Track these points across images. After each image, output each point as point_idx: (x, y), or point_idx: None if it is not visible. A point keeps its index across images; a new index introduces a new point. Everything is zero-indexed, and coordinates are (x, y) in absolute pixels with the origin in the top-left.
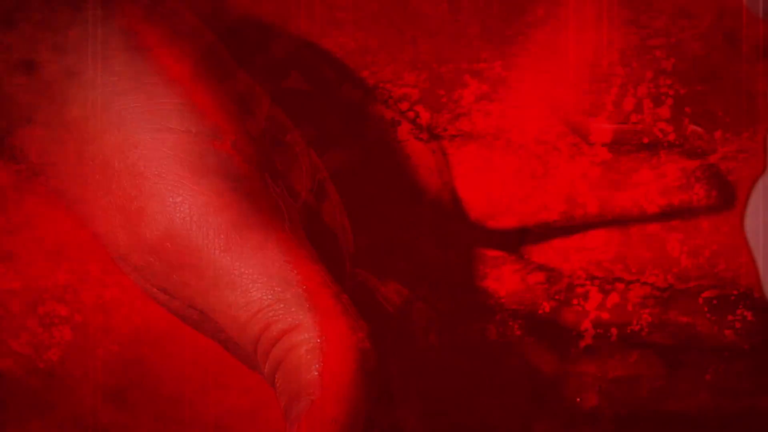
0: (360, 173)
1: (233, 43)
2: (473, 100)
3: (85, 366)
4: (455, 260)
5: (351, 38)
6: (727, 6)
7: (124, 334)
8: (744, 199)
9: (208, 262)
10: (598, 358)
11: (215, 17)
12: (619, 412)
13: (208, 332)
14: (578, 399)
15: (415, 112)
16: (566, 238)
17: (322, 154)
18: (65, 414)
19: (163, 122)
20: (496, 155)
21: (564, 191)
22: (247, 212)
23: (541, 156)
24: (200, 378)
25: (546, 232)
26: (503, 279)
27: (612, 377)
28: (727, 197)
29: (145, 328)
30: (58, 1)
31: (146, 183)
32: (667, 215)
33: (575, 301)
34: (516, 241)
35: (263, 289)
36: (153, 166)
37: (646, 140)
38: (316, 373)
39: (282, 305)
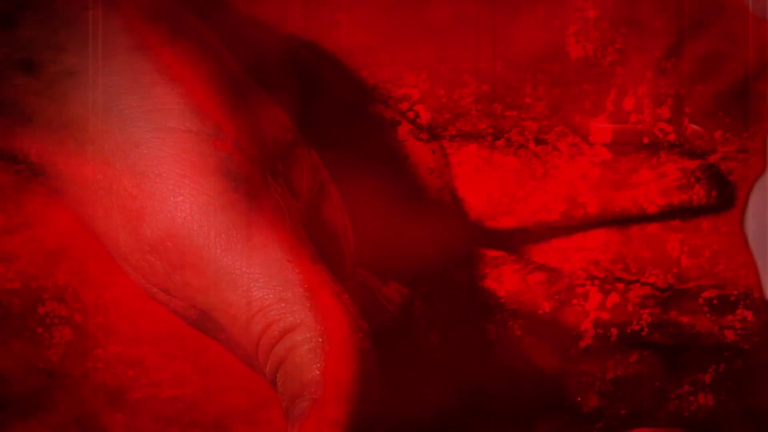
0: (360, 173)
1: (233, 42)
2: (473, 100)
3: (85, 366)
4: (455, 260)
5: (351, 38)
6: (727, 6)
7: (124, 334)
8: (744, 199)
9: (209, 261)
10: (598, 358)
11: (215, 17)
12: (619, 412)
13: (209, 332)
14: (578, 399)
15: (415, 112)
16: (566, 238)
17: (322, 154)
18: (65, 414)
19: (164, 122)
20: (496, 155)
21: (564, 191)
22: (248, 212)
23: (541, 156)
24: (200, 378)
25: (546, 232)
26: (503, 279)
27: (612, 377)
28: (727, 197)
29: (145, 328)
30: (58, 1)
31: (147, 182)
32: (667, 215)
33: (575, 301)
34: (516, 241)
35: (264, 289)
36: (154, 166)
37: (646, 140)
38: (317, 372)
39: (283, 304)
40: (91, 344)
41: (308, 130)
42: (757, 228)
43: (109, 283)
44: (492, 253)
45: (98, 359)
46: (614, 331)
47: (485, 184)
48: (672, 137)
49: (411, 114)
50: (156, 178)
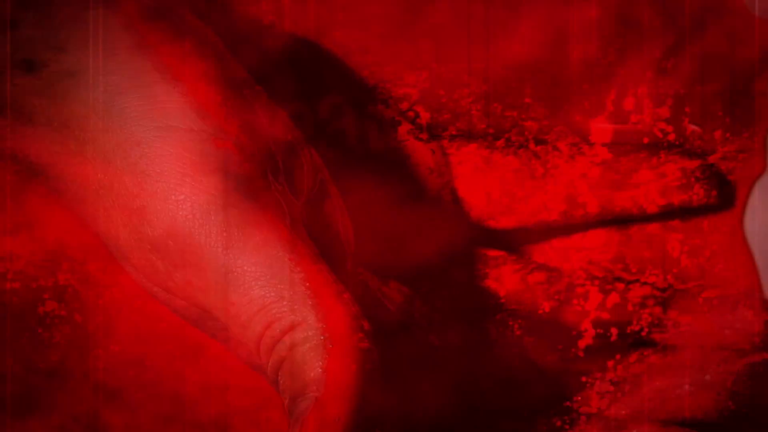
0: (360, 173)
1: (233, 42)
2: (473, 100)
3: (85, 366)
4: (455, 260)
5: (351, 38)
6: (727, 6)
7: (124, 334)
8: (744, 199)
9: (210, 260)
10: (598, 358)
11: (215, 17)
12: (619, 412)
13: (210, 330)
14: (578, 398)
15: (415, 112)
16: (566, 238)
17: (322, 153)
18: (65, 414)
19: (165, 120)
20: (496, 155)
21: (564, 191)
22: (249, 210)
23: (541, 156)
24: (200, 378)
25: (546, 232)
26: (503, 279)
27: (612, 377)
28: (727, 197)
29: (145, 328)
30: (58, 1)
31: (148, 181)
32: (667, 215)
33: (575, 301)
34: (516, 241)
35: (265, 287)
36: (155, 164)
37: (646, 140)
38: (319, 371)
39: (284, 303)
40: (91, 344)
41: (308, 130)
42: (757, 228)
43: (109, 283)
44: (492, 253)
45: (98, 359)
46: (614, 331)
47: (485, 184)
48: (672, 137)
49: (411, 114)
50: (157, 176)
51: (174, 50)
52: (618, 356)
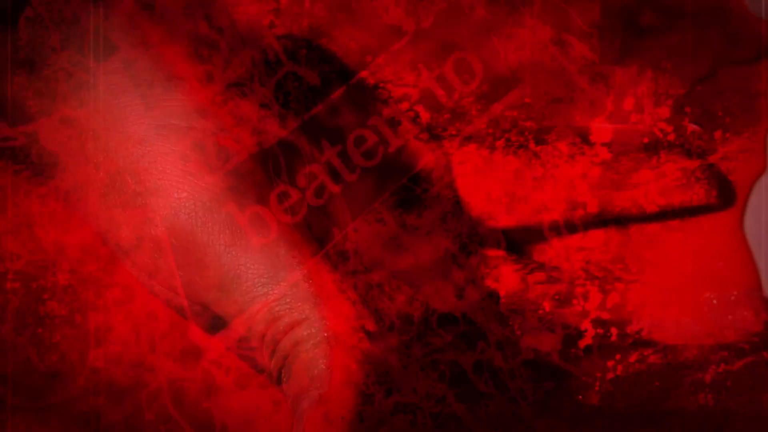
0: (360, 173)
1: (234, 42)
2: (473, 100)
3: (85, 366)
4: (455, 260)
5: (351, 38)
6: (727, 6)
7: (124, 334)
8: (744, 199)
9: (213, 258)
10: (598, 358)
11: (215, 17)
12: (619, 411)
13: (212, 329)
14: (579, 398)
15: (415, 112)
16: (566, 238)
17: (322, 153)
18: (65, 414)
19: (167, 119)
20: (496, 155)
21: (564, 191)
22: (251, 209)
23: (541, 156)
24: (201, 378)
25: (546, 232)
26: (503, 279)
27: (612, 377)
28: (727, 197)
29: (146, 328)
30: (58, 1)
31: (150, 179)
32: (667, 215)
33: (575, 301)
34: (516, 241)
35: (268, 285)
36: (156, 163)
37: (646, 140)
38: (323, 368)
39: (288, 300)
40: (92, 344)
41: (308, 130)
42: (757, 228)
43: (109, 283)
44: (492, 253)
45: (98, 359)
46: (614, 330)
47: (485, 184)
48: (672, 137)
49: (411, 114)
50: (159, 174)
51: (175, 50)
52: (618, 356)
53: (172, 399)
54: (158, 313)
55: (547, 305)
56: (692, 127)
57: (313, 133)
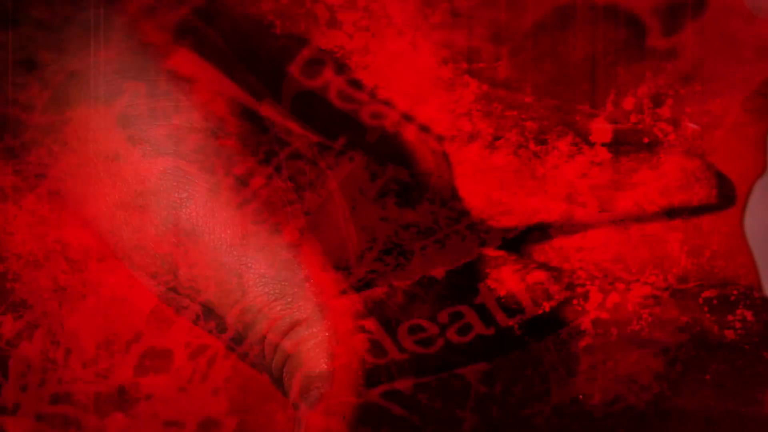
0: (360, 174)
1: (234, 42)
2: (473, 100)
3: (85, 366)
4: (455, 260)
5: (351, 38)
6: (727, 6)
7: (124, 334)
8: (744, 199)
9: (213, 258)
10: (598, 358)
11: (216, 17)
12: (620, 411)
13: (214, 328)
14: (579, 398)
15: (415, 111)
16: (566, 238)
17: (323, 153)
18: (65, 414)
19: (167, 119)
20: (496, 155)
21: (564, 191)
22: (252, 209)
23: (541, 156)
24: (201, 378)
25: (546, 232)
26: (503, 279)
27: (612, 377)
28: (727, 197)
29: (145, 328)
30: (58, 1)
31: (151, 179)
32: (667, 215)
33: (575, 301)
34: (516, 241)
35: (269, 285)
36: (158, 163)
37: (646, 140)
38: (324, 368)
39: (289, 300)
40: (92, 344)
41: (310, 130)
42: (757, 228)
43: (109, 283)
44: (492, 253)
45: (98, 359)
46: (614, 330)
47: (485, 184)
48: (672, 137)
49: (411, 113)
50: (159, 175)
51: (175, 49)
52: (618, 356)
53: (173, 399)
54: (158, 313)
55: (547, 305)
56: (692, 127)
57: (312, 135)
